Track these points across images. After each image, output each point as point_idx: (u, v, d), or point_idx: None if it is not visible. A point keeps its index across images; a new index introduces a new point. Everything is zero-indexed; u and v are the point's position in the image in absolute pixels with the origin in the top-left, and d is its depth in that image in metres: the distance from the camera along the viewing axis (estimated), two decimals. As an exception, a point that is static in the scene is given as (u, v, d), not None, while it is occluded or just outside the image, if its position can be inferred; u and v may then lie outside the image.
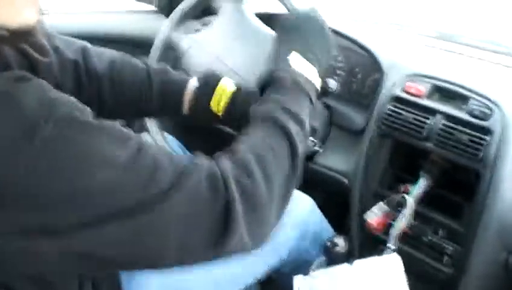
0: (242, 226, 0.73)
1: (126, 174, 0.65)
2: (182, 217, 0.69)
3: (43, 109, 0.61)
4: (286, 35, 0.99)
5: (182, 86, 1.11)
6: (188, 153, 1.45)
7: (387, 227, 1.33)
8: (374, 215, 1.32)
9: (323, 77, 0.98)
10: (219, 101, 1.07)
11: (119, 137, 0.68)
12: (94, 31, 1.71)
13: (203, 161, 0.75)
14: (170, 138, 1.42)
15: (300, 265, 1.37)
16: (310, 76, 0.94)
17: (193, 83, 1.11)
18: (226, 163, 0.76)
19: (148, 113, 1.18)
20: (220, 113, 1.08)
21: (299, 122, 0.86)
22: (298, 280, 1.22)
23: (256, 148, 0.80)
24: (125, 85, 1.09)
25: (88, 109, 0.68)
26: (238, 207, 0.72)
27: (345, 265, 1.17)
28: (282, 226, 1.27)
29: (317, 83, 0.96)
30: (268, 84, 0.92)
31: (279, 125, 0.83)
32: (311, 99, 0.92)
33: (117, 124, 0.70)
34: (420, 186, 1.30)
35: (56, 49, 1.00)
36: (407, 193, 1.30)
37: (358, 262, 1.17)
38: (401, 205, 1.29)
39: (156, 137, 1.25)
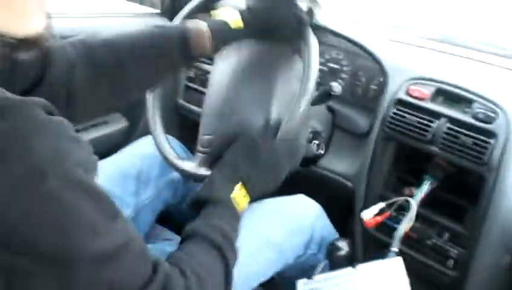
0: None
1: (102, 254, 0.64)
2: None
3: (53, 161, 0.60)
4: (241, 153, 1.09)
5: (196, 29, 1.10)
6: (188, 152, 1.45)
7: (389, 229, 1.34)
8: (369, 213, 1.32)
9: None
10: (236, 20, 1.11)
11: (110, 212, 0.68)
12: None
13: (162, 272, 0.75)
14: (171, 138, 1.43)
15: (307, 270, 1.38)
16: (242, 198, 1.03)
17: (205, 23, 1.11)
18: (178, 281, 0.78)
19: (176, 66, 1.16)
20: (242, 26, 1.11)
21: (231, 242, 0.93)
22: (301, 284, 1.22)
23: (198, 268, 0.84)
24: (146, 54, 1.07)
25: (96, 161, 0.68)
26: None
27: (348, 269, 1.17)
28: (289, 232, 1.27)
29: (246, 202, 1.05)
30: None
31: (216, 247, 0.89)
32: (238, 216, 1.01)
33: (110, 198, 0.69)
34: (424, 189, 1.30)
35: (61, 50, 0.99)
36: (412, 196, 1.30)
37: (361, 266, 1.17)
38: (404, 208, 1.30)
39: (159, 138, 1.25)
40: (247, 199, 1.04)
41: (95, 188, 0.65)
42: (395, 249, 1.25)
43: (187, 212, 1.52)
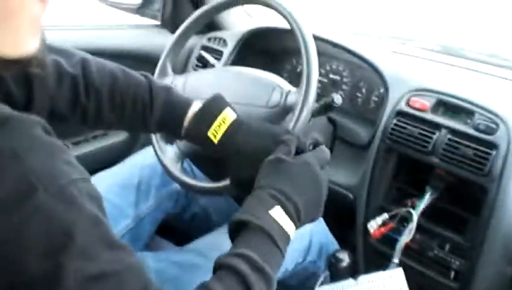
0: None
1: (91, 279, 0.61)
2: None
3: (46, 177, 0.59)
4: (275, 172, 0.91)
5: (184, 108, 1.07)
6: (192, 165, 1.45)
7: (390, 241, 1.33)
8: (375, 224, 1.32)
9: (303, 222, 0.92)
10: (217, 130, 1.02)
11: (105, 238, 0.65)
12: (98, 45, 1.72)
13: None
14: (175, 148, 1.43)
15: (307, 277, 1.37)
16: (288, 226, 0.86)
17: (195, 107, 1.07)
18: None
19: (146, 130, 1.13)
20: (215, 141, 1.03)
21: (268, 279, 0.80)
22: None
23: None
24: (125, 100, 1.06)
25: (89, 180, 0.66)
26: None
27: (350, 280, 1.17)
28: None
29: (292, 232, 0.88)
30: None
31: (247, 285, 0.77)
32: (282, 252, 0.85)
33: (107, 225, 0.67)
34: (425, 200, 1.30)
35: (54, 62, 0.99)
36: (413, 207, 1.30)
37: (362, 277, 1.16)
38: (406, 219, 1.29)
39: (160, 148, 1.25)
40: (293, 224, 0.87)
41: (90, 211, 0.63)
42: (396, 260, 1.25)
43: (187, 223, 1.53)
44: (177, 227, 1.53)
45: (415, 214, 1.28)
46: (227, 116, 1.03)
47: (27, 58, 0.67)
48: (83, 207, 0.62)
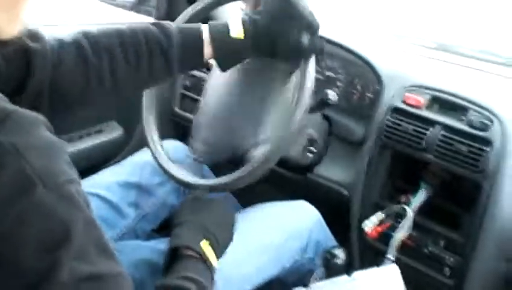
0: None
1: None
2: None
3: (46, 174, 0.59)
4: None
5: (196, 28, 1.07)
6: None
7: (386, 237, 1.34)
8: (371, 224, 1.33)
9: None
10: (238, 29, 1.06)
11: (102, 246, 0.65)
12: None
13: None
14: (173, 143, 1.42)
15: (305, 274, 1.37)
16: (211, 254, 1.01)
17: (204, 26, 1.08)
18: None
19: (169, 72, 1.08)
20: (243, 36, 1.06)
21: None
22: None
23: None
24: (139, 48, 1.03)
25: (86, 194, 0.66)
26: None
27: (344, 277, 1.17)
28: (286, 235, 1.27)
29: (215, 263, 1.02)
30: None
31: None
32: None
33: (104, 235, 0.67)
34: (420, 197, 1.30)
35: (51, 36, 0.98)
36: (407, 204, 1.30)
37: (357, 273, 1.16)
38: (400, 216, 1.30)
39: (155, 146, 1.25)
40: (215, 257, 1.02)
41: (87, 213, 0.63)
42: (390, 256, 1.25)
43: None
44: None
45: (410, 211, 1.28)
46: (237, 18, 1.07)
47: (16, 37, 0.68)
48: (81, 207, 0.62)
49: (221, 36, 1.06)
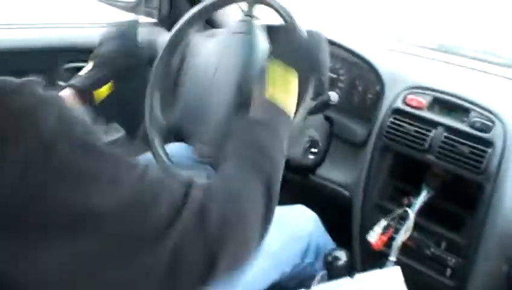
0: (225, 259, 0.72)
1: (131, 197, 0.63)
2: (166, 256, 0.66)
3: (61, 131, 0.60)
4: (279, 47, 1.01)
5: None
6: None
7: (388, 239, 1.34)
8: (375, 235, 1.33)
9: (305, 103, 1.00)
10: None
11: (127, 162, 0.67)
12: (94, 43, 1.71)
13: (196, 193, 0.72)
14: (177, 145, 1.42)
15: (304, 279, 1.37)
16: (288, 105, 0.94)
17: None
18: (216, 196, 0.74)
19: None
20: None
21: (274, 162, 0.85)
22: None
23: (234, 187, 0.78)
24: None
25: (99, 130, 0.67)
26: (222, 245, 0.71)
27: (347, 279, 1.17)
28: (286, 240, 1.27)
29: (292, 111, 0.96)
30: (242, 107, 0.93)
31: (256, 168, 0.82)
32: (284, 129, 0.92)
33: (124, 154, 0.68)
34: (422, 199, 1.30)
35: None
36: (409, 206, 1.30)
37: (359, 275, 1.16)
38: (403, 218, 1.29)
39: (157, 148, 1.24)
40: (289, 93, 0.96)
41: (107, 149, 0.65)
42: (392, 258, 1.25)
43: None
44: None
45: (412, 213, 1.28)
46: None
47: None
48: (102, 149, 0.64)
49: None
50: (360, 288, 1.15)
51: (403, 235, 1.27)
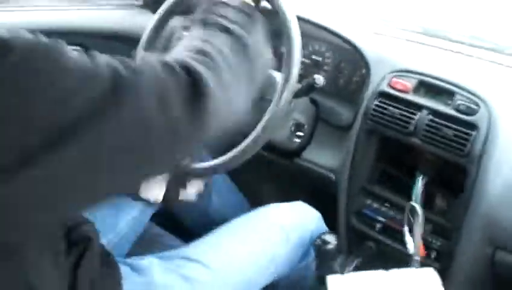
0: (214, 93, 0.74)
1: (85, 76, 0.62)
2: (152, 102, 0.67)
3: (16, 33, 0.59)
4: None
5: None
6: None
7: (370, 220, 1.34)
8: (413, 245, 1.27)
9: None
10: None
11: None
12: (78, 26, 1.70)
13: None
14: None
15: (309, 277, 1.38)
16: None
17: None
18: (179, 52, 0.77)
19: None
20: None
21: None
22: (332, 280, 1.20)
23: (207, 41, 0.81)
24: None
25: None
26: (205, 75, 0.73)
27: (381, 271, 1.14)
28: (287, 243, 1.27)
29: None
30: None
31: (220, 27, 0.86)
32: None
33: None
34: (420, 188, 1.28)
35: None
36: (409, 197, 1.29)
37: (393, 271, 1.14)
38: (413, 214, 1.26)
39: None
40: None
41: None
42: (417, 258, 1.23)
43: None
44: (179, 207, 1.54)
45: (418, 207, 1.26)
46: None
47: None
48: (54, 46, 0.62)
49: None
50: (394, 283, 1.12)
51: (418, 231, 1.25)
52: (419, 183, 1.30)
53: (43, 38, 0.62)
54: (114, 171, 0.66)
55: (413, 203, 1.27)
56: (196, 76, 0.72)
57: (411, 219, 1.27)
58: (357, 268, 1.31)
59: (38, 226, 0.65)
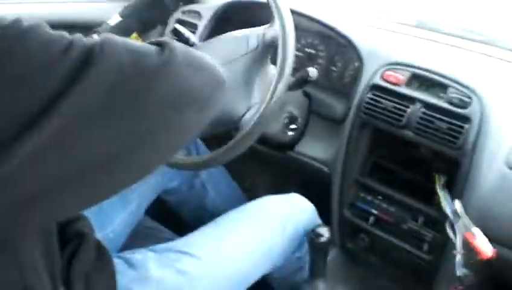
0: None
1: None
2: None
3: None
4: None
5: None
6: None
7: (363, 212, 1.35)
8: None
9: None
10: None
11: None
12: (53, 18, 1.68)
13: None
14: None
15: (297, 269, 1.38)
16: None
17: None
18: None
19: None
20: None
21: None
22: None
23: None
24: None
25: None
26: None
27: None
28: (282, 235, 1.27)
29: None
30: None
31: None
32: None
33: None
34: (445, 192, 1.27)
35: None
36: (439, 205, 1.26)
37: None
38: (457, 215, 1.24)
39: None
40: None
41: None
42: (459, 273, 1.16)
43: (184, 194, 1.53)
44: (175, 200, 1.54)
45: (461, 209, 1.20)
46: None
47: None
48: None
49: None
50: None
51: (460, 237, 1.18)
52: (441, 187, 1.28)
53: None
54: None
55: (456, 207, 1.21)
56: (164, 44, 0.72)
57: (450, 217, 1.21)
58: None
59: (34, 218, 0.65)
